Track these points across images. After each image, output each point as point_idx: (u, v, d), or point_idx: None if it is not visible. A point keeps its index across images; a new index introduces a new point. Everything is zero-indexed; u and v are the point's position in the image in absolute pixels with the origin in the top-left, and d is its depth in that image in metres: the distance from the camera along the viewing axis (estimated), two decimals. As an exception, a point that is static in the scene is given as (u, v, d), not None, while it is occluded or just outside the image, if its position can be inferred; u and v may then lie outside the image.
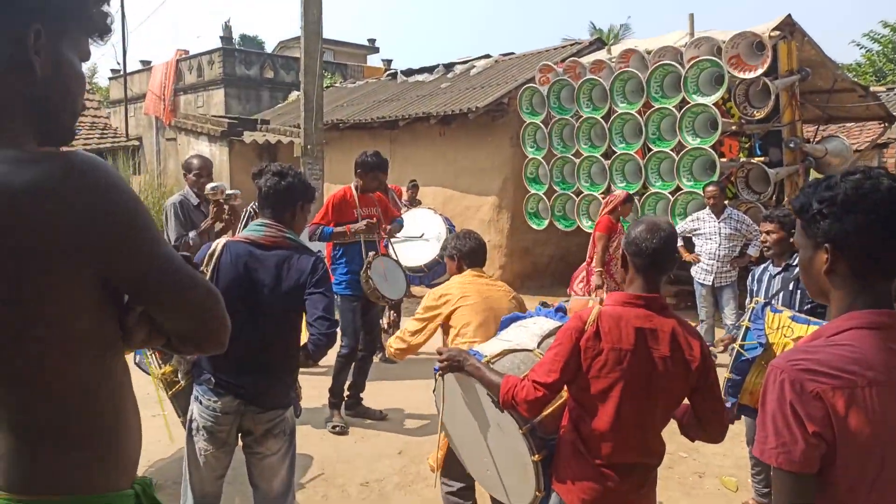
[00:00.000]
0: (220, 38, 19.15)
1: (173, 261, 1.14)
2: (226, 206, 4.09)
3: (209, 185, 4.10)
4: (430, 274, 6.43)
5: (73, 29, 1.11)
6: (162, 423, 4.14)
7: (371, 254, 4.75)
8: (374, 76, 17.43)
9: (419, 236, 6.56)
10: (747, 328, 3.42)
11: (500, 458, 2.40)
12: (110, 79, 21.63)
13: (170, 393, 3.14)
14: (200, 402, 2.66)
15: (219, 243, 2.71)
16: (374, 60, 24.20)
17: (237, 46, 20.82)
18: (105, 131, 15.62)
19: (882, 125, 10.13)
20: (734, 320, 6.00)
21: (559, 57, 10.03)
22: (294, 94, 16.12)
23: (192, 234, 4.18)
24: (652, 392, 2.04)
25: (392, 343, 3.33)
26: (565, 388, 2.12)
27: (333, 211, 4.88)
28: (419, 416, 4.96)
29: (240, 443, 2.73)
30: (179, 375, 3.04)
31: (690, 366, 2.05)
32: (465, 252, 3.34)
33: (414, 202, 8.54)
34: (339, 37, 25.98)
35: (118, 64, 17.53)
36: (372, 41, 25.70)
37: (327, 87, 15.26)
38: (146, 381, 3.40)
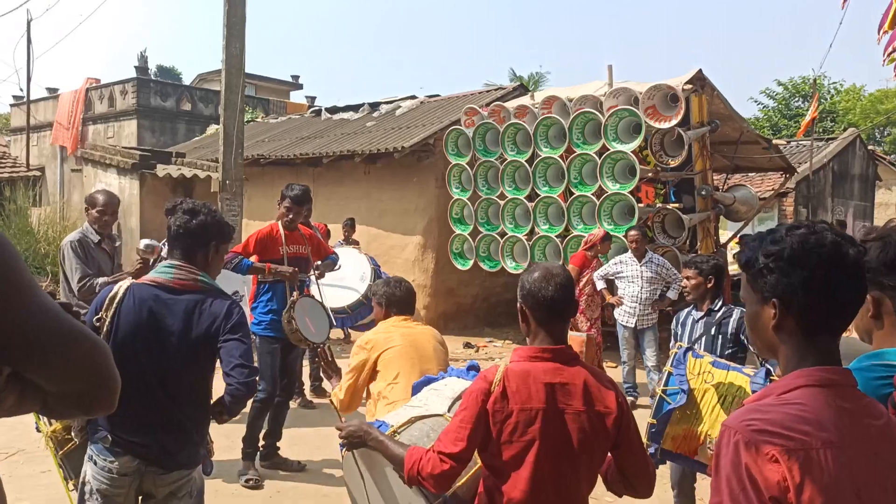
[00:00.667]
0: (135, 67, 18.49)
1: (50, 311, 0.97)
2: (140, 258, 3.86)
3: (143, 242, 3.90)
4: (354, 315, 6.24)
5: None
6: (51, 480, 3.74)
7: (294, 294, 4.53)
8: (297, 112, 17.21)
9: (340, 276, 6.34)
10: (669, 373, 3.44)
11: None
12: (12, 105, 20.36)
13: (60, 453, 2.81)
14: (95, 463, 2.38)
15: (121, 286, 2.47)
16: (297, 97, 23.98)
17: (153, 77, 20.12)
18: (3, 160, 14.61)
19: (782, 175, 10.81)
20: (654, 362, 6.10)
21: (484, 101, 10.21)
22: (213, 128, 15.66)
23: (100, 279, 3.87)
24: (571, 453, 1.89)
25: (334, 400, 3.18)
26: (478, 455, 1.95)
27: (257, 245, 4.64)
28: (333, 464, 4.70)
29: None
30: (73, 433, 2.73)
31: (606, 420, 1.92)
32: (395, 300, 3.27)
33: (349, 241, 8.36)
34: (262, 72, 25.61)
35: (21, 90, 16.56)
36: (296, 77, 25.52)
37: (248, 121, 14.93)
38: (36, 435, 3.06)
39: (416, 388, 2.66)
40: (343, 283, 6.37)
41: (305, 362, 6.41)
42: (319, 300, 4.97)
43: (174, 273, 2.47)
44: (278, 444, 4.78)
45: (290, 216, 4.72)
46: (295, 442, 5.21)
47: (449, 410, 2.32)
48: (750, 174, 13.14)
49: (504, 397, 1.86)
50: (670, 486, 3.86)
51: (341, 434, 2.25)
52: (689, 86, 7.68)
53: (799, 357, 1.30)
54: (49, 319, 0.96)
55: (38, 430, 3.02)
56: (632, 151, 7.41)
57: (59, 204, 13.70)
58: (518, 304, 2.03)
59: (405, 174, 10.09)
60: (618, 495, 2.14)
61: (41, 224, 11.36)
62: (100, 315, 2.42)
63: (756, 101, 28.06)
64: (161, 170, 11.54)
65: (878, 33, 5.21)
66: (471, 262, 9.03)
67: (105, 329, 2.38)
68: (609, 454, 2.01)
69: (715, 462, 1.24)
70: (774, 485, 1.15)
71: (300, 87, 25.50)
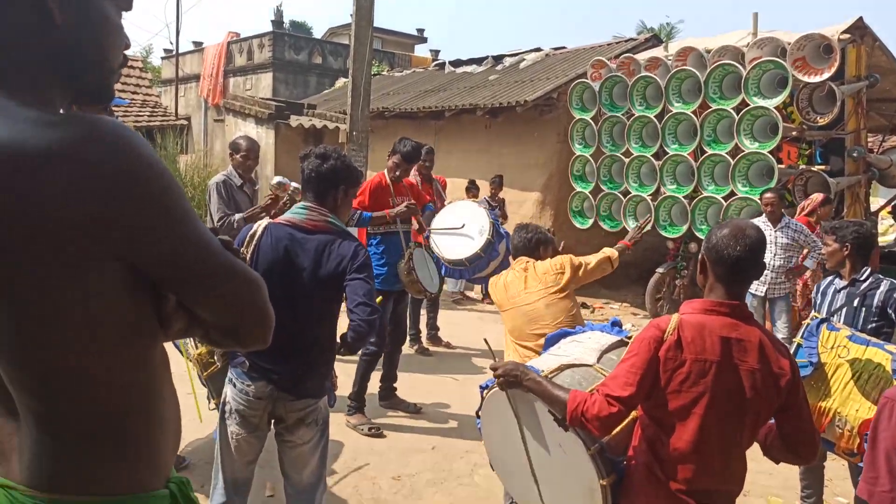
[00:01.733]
0: (271, 22, 19.32)
1: (209, 245, 1.01)
2: (287, 201, 4.05)
3: (275, 179, 4.09)
4: (472, 268, 6.29)
5: None
6: (193, 402, 4.14)
7: (412, 244, 4.64)
8: (421, 66, 17.35)
9: (459, 227, 6.41)
10: (799, 345, 3.23)
11: (558, 483, 2.21)
12: (163, 58, 22.04)
13: (205, 374, 3.10)
14: (234, 385, 2.60)
15: (260, 225, 2.65)
16: (421, 50, 24.12)
17: (287, 31, 20.97)
18: (155, 110, 15.90)
19: (952, 138, 9.62)
20: (786, 333, 5.74)
21: (612, 53, 9.78)
22: (341, 81, 16.14)
23: (237, 216, 4.14)
24: (739, 409, 1.86)
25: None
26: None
27: (371, 197, 4.78)
28: (453, 412, 4.86)
29: (272, 430, 2.67)
30: (215, 357, 3.00)
31: (780, 381, 1.87)
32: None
33: (495, 199, 8.54)
34: (388, 26, 25.94)
35: (171, 44, 17.84)
36: (420, 31, 25.63)
37: (374, 74, 15.24)
38: (179, 357, 3.38)
39: (553, 340, 2.67)
40: (462, 236, 6.44)
41: (423, 311, 6.61)
42: (433, 252, 5.07)
43: (307, 214, 2.61)
44: (395, 385, 4.97)
45: (398, 172, 4.81)
46: (412, 387, 5.42)
47: (598, 361, 2.32)
48: (912, 136, 11.78)
49: (678, 346, 1.85)
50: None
51: (497, 372, 2.20)
52: (847, 35, 6.95)
53: None
54: (205, 252, 1.00)
55: (180, 352, 3.33)
56: (775, 107, 6.84)
57: (203, 151, 14.78)
58: (700, 255, 2.02)
59: (526, 129, 9.94)
60: (775, 462, 2.08)
61: (188, 169, 12.32)
62: (241, 250, 2.61)
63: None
64: (294, 120, 12.11)
65: None
66: (590, 221, 8.81)
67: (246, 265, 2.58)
68: (772, 419, 1.96)
69: (872, 435, 1.16)
70: None
71: (424, 40, 25.61)
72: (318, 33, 27.99)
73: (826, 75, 6.67)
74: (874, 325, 3.56)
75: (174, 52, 18.11)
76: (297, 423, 2.60)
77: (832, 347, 3.31)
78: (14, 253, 0.87)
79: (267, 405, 2.58)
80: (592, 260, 3.52)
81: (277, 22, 19.68)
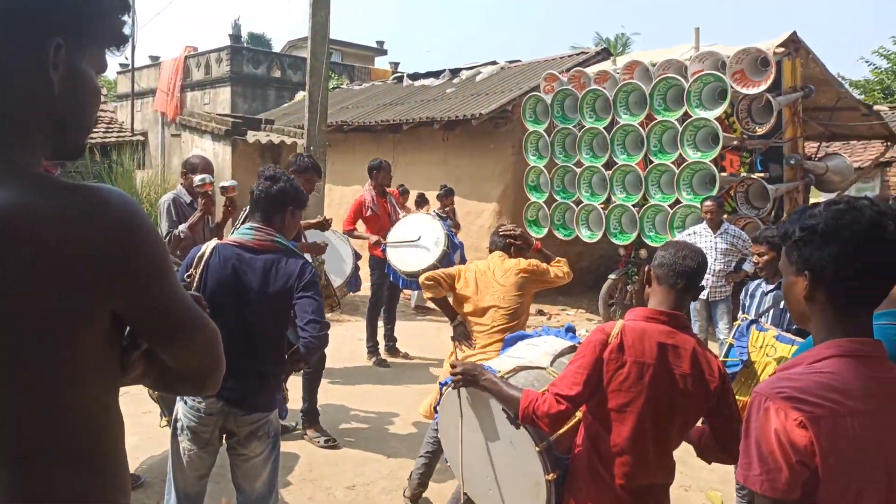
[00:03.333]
0: (229, 35, 19.24)
1: (185, 300, 1.14)
2: (224, 198, 4.12)
3: (197, 177, 4.12)
4: (428, 279, 6.44)
5: (92, 42, 1.08)
6: (150, 420, 4.16)
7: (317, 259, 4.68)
8: (381, 78, 17.49)
9: (416, 240, 6.54)
10: (730, 345, 3.44)
11: (507, 477, 2.35)
12: (118, 73, 21.72)
13: (156, 393, 3.16)
14: (185, 402, 2.68)
15: (208, 246, 2.74)
16: (381, 62, 24.28)
17: (245, 45, 20.90)
18: (111, 125, 15.70)
19: (885, 144, 10.12)
20: (727, 334, 5.99)
21: (564, 66, 10.06)
22: (301, 94, 16.17)
23: (181, 227, 4.20)
24: (671, 409, 2.03)
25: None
26: (582, 406, 2.10)
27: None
28: (410, 422, 4.96)
29: (224, 444, 2.76)
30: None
31: (709, 386, 2.04)
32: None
33: (445, 211, 8.63)
34: (348, 38, 26.03)
35: (126, 59, 17.62)
36: (380, 43, 25.81)
37: (334, 88, 15.32)
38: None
39: (511, 342, 2.82)
40: (418, 248, 6.58)
41: (381, 322, 6.71)
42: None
43: (254, 234, 2.71)
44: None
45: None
46: (367, 397, 5.52)
47: (551, 365, 2.47)
48: (851, 142, 12.34)
49: (620, 349, 2.01)
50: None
51: (456, 370, 2.34)
52: (782, 49, 7.30)
53: (829, 328, 1.34)
54: (184, 306, 1.14)
55: None
56: (716, 118, 7.16)
57: (160, 167, 14.64)
58: (647, 268, 2.21)
59: (482, 141, 10.14)
60: (707, 462, 2.24)
61: (144, 186, 12.20)
62: (190, 272, 2.70)
63: (868, 62, 25.98)
64: (251, 136, 12.07)
65: None
66: (545, 230, 9.04)
67: (195, 285, 2.66)
68: (706, 422, 2.13)
69: (745, 426, 1.31)
70: (802, 449, 1.22)
71: (384, 52, 25.79)
72: (277, 46, 27.94)
73: (763, 87, 7.01)
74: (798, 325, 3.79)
75: (130, 67, 17.92)
76: (248, 437, 2.69)
77: (761, 347, 3.53)
78: (22, 298, 0.96)
79: (218, 420, 2.66)
80: (554, 272, 3.77)
81: (235, 36, 19.63)
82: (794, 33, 7.50)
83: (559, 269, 3.76)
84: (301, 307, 2.66)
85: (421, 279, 3.87)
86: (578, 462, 2.13)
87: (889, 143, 10.03)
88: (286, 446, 3.96)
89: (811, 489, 1.24)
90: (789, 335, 3.52)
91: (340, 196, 12.03)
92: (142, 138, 16.24)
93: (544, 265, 3.73)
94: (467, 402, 2.42)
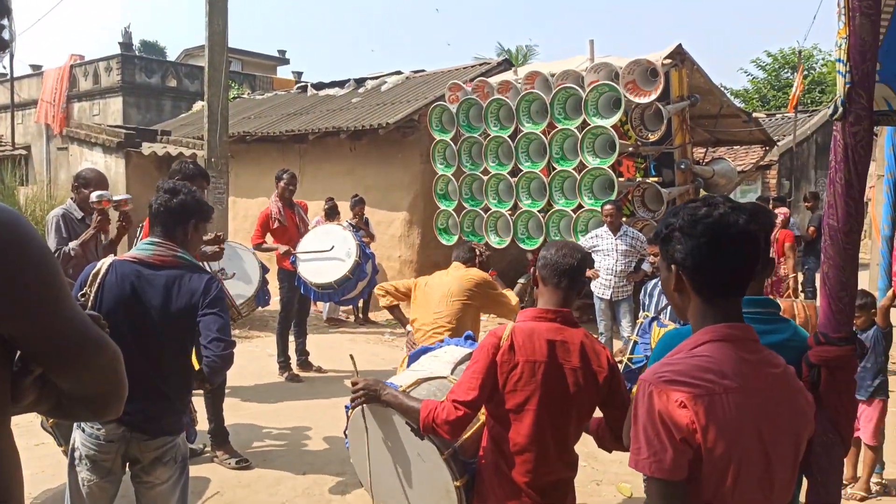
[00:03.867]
0: (120, 44, 18.31)
1: (82, 320, 1.07)
2: (118, 213, 3.93)
3: (94, 194, 3.91)
4: (340, 290, 6.34)
5: None
6: (44, 452, 3.88)
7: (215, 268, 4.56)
8: (283, 88, 17.15)
9: (327, 250, 6.45)
10: (635, 342, 3.62)
11: (418, 489, 2.35)
12: (-5, 83, 20.16)
13: (50, 421, 2.95)
14: (83, 430, 2.52)
15: (104, 262, 2.59)
16: (284, 72, 23.83)
17: (137, 53, 19.95)
18: (-12, 139, 14.54)
19: (764, 149, 10.94)
20: (630, 332, 6.29)
21: (468, 76, 10.24)
22: (199, 105, 15.60)
23: (72, 244, 3.96)
24: (566, 403, 2.09)
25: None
26: (484, 409, 2.13)
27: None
28: (325, 437, 4.87)
29: (128, 472, 2.61)
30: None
31: (598, 377, 2.11)
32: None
33: (359, 221, 8.57)
34: (248, 47, 25.39)
35: (4, 68, 16.40)
36: (282, 52, 25.33)
37: (234, 98, 14.88)
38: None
39: (415, 357, 2.83)
40: (329, 260, 6.49)
41: (291, 338, 6.57)
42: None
43: (154, 249, 2.59)
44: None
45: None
46: (280, 413, 5.38)
47: (452, 373, 2.49)
48: (734, 147, 13.26)
49: (511, 350, 2.06)
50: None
51: (357, 388, 2.32)
52: (669, 60, 7.75)
53: (701, 316, 1.45)
54: (82, 326, 1.06)
55: None
56: (612, 126, 7.50)
57: (45, 182, 13.69)
58: (532, 270, 2.27)
59: (390, 150, 10.15)
60: (608, 451, 2.31)
61: (29, 203, 11.38)
62: (84, 290, 2.54)
63: (746, 72, 28.04)
64: (146, 148, 11.54)
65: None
66: (455, 238, 9.15)
67: (90, 304, 2.51)
68: (602, 414, 2.20)
69: (634, 412, 1.38)
70: (683, 427, 1.30)
71: (287, 62, 25.34)
72: (172, 54, 26.84)
73: (654, 96, 7.42)
74: (694, 319, 4.04)
75: (9, 76, 16.67)
76: (153, 463, 2.56)
77: (662, 341, 3.73)
78: None
79: (120, 447, 2.52)
80: (505, 296, 4.06)
81: (126, 44, 18.69)
82: (680, 45, 7.99)
83: (511, 297, 4.01)
84: (205, 325, 2.55)
85: (376, 290, 4.34)
86: (484, 464, 2.17)
87: (767, 148, 10.86)
88: (195, 470, 3.79)
89: (696, 468, 1.32)
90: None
91: (245, 209, 11.68)
92: (24, 152, 15.15)
93: (498, 288, 4.01)
94: (372, 420, 2.41)
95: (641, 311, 4.06)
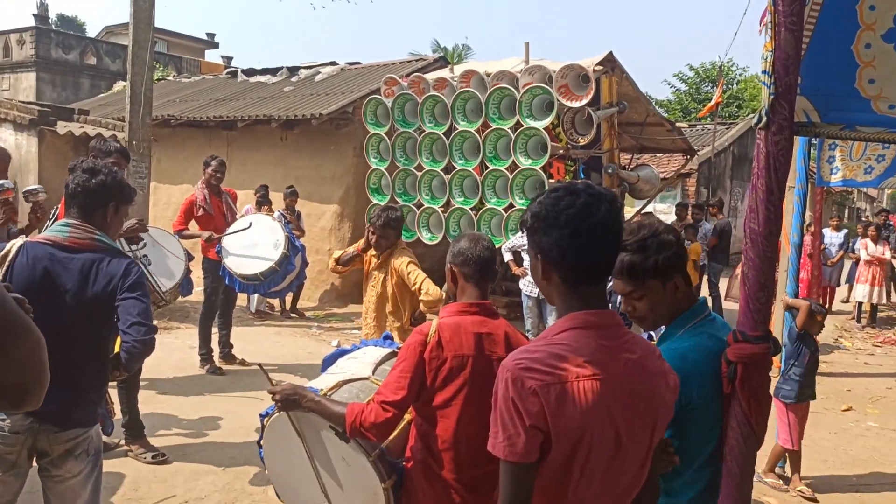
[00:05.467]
0: (34, 16, 17.25)
1: (5, 303, 0.97)
2: (30, 205, 3.70)
3: (26, 189, 3.69)
4: (266, 283, 6.19)
5: None
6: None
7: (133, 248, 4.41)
8: (212, 73, 16.59)
9: (247, 227, 6.20)
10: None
11: (344, 494, 2.29)
12: None
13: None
14: (-15, 422, 2.35)
15: (14, 244, 2.43)
16: (213, 56, 23.04)
17: (54, 27, 18.85)
18: None
19: (685, 157, 11.41)
20: (557, 330, 6.43)
21: (404, 71, 10.20)
22: (120, 84, 14.89)
23: None
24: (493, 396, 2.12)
25: None
26: (411, 408, 2.10)
27: None
28: (246, 430, 4.74)
29: (35, 465, 2.46)
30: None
31: None
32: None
33: (292, 212, 8.44)
34: (176, 28, 24.42)
35: None
36: (211, 35, 24.47)
37: (159, 79, 14.28)
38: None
39: (331, 360, 2.75)
40: (256, 251, 6.32)
41: (215, 329, 6.37)
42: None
43: (69, 231, 2.45)
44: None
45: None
46: (201, 406, 5.21)
47: (373, 374, 2.44)
48: (658, 155, 13.77)
49: (439, 346, 2.04)
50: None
51: (275, 396, 2.24)
52: (600, 67, 7.96)
53: (566, 303, 1.47)
54: (4, 312, 0.97)
55: None
56: (544, 128, 7.63)
57: (-55, 159, 12.73)
58: (447, 267, 2.24)
59: (323, 142, 10.00)
60: None
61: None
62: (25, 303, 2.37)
63: (670, 84, 29.24)
64: (62, 127, 10.88)
65: (760, 25, 5.57)
66: (387, 232, 9.10)
67: (-5, 288, 2.35)
68: None
69: (493, 398, 1.42)
70: (534, 413, 1.34)
71: (216, 45, 24.50)
72: (92, 31, 25.49)
73: (585, 101, 7.60)
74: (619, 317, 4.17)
75: None
76: (64, 456, 2.42)
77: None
78: None
79: (26, 439, 2.37)
80: (426, 286, 4.06)
81: (42, 17, 17.60)
82: (611, 53, 8.22)
83: (430, 285, 4.03)
84: (124, 309, 2.43)
85: None
86: (413, 464, 2.15)
87: (688, 157, 11.33)
88: (109, 465, 3.62)
89: (546, 452, 1.37)
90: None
91: (168, 195, 11.25)
92: (-79, 125, 14.00)
93: (418, 271, 4.11)
94: (291, 427, 2.32)
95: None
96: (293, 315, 9.03)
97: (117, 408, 3.23)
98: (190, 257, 4.98)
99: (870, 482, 4.62)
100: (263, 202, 8.32)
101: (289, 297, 8.91)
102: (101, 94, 15.56)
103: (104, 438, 4.42)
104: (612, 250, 1.46)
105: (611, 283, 2.02)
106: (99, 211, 2.52)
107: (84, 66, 16.11)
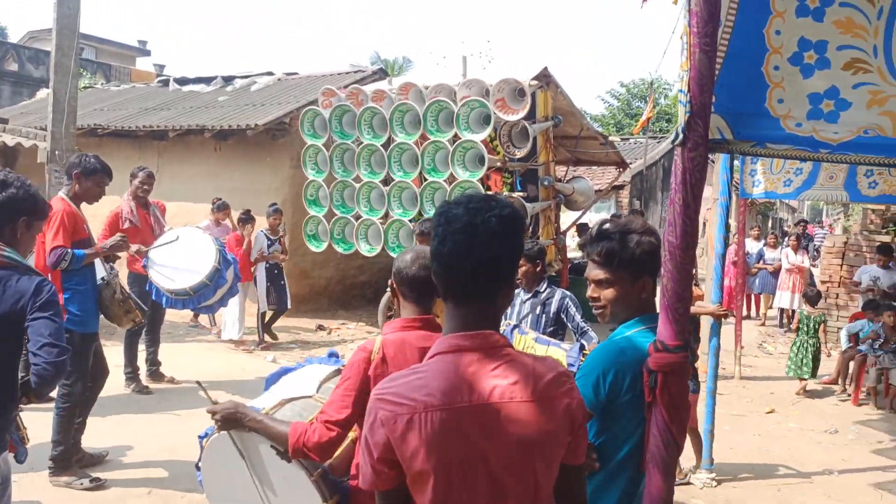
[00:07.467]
0: (-51, 17, 16.33)
1: None
2: None
3: None
4: (196, 297, 6.00)
5: None
6: None
7: (107, 270, 4.37)
8: (143, 81, 16.08)
9: (174, 240, 6.01)
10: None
11: None
12: None
13: None
14: None
15: (-89, 261, 2.28)
16: (144, 64, 22.37)
17: (-29, 30, 17.93)
18: None
19: (618, 170, 11.73)
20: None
21: (343, 82, 10.14)
22: (43, 92, 14.24)
23: None
24: None
25: None
26: (355, 427, 2.06)
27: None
28: (173, 451, 4.57)
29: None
30: None
31: None
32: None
33: (220, 225, 8.25)
34: (104, 34, 23.60)
35: None
36: (143, 43, 23.78)
37: (86, 87, 13.75)
38: None
39: (273, 379, 2.70)
40: (185, 265, 6.11)
41: (142, 346, 6.13)
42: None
43: (-25, 248, 2.31)
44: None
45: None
46: (126, 427, 4.99)
47: (317, 391, 2.39)
48: (592, 167, 14.12)
49: (384, 363, 1.99)
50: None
51: (216, 416, 2.16)
52: (536, 82, 8.12)
53: (448, 323, 1.44)
54: None
55: None
56: (482, 141, 7.72)
57: None
58: (390, 282, 2.20)
59: (258, 153, 9.81)
60: None
61: None
62: None
63: (603, 100, 30.15)
64: (-22, 135, 10.33)
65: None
66: (325, 244, 8.99)
67: None
68: None
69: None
70: (381, 446, 1.35)
71: (147, 53, 23.82)
72: (14, 36, 24.36)
73: (521, 114, 7.73)
74: (552, 328, 4.23)
75: None
76: (-33, 486, 2.28)
77: (523, 349, 3.87)
78: None
79: (-75, 470, 2.22)
80: None
81: (-44, 18, 16.70)
82: (546, 68, 8.40)
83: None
84: (35, 330, 2.31)
85: None
86: (358, 482, 2.12)
87: (621, 170, 11.66)
88: (21, 493, 3.42)
89: (408, 482, 1.36)
90: (546, 337, 3.91)
91: (94, 208, 10.74)
92: None
93: None
94: (232, 447, 2.26)
95: (504, 319, 4.19)
96: (267, 339, 8.44)
97: (31, 433, 3.04)
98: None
99: (789, 481, 4.83)
100: (247, 220, 8.19)
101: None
102: (24, 102, 14.84)
103: (91, 451, 4.21)
104: (488, 268, 1.38)
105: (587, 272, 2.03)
106: (8, 226, 2.39)
107: (4, 72, 15.37)
